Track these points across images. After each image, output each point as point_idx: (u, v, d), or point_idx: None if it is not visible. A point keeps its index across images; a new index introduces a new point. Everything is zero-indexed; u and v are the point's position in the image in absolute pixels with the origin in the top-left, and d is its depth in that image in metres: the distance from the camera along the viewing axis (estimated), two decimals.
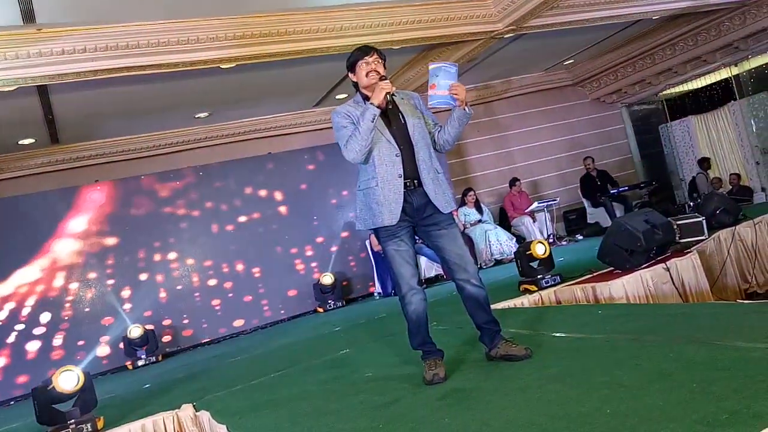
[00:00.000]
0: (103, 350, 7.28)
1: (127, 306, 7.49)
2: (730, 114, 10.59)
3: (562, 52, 9.92)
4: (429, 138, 3.12)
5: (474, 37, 7.20)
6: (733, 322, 3.08)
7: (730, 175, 10.10)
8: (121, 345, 7.19)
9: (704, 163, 10.57)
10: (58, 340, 7.11)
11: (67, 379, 3.77)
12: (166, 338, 7.59)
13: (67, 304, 7.24)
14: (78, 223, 7.43)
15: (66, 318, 7.20)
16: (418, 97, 3.22)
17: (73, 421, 3.79)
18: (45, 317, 7.11)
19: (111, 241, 7.57)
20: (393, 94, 3.06)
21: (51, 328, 7.10)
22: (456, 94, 2.93)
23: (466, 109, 3.00)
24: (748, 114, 10.24)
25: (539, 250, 5.27)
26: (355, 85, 3.16)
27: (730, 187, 9.81)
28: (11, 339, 6.91)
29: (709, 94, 11.15)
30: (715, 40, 9.50)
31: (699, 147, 11.12)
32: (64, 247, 7.34)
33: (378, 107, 2.92)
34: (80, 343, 7.18)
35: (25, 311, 7.03)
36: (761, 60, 10.07)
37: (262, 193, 8.49)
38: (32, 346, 6.97)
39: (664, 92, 11.61)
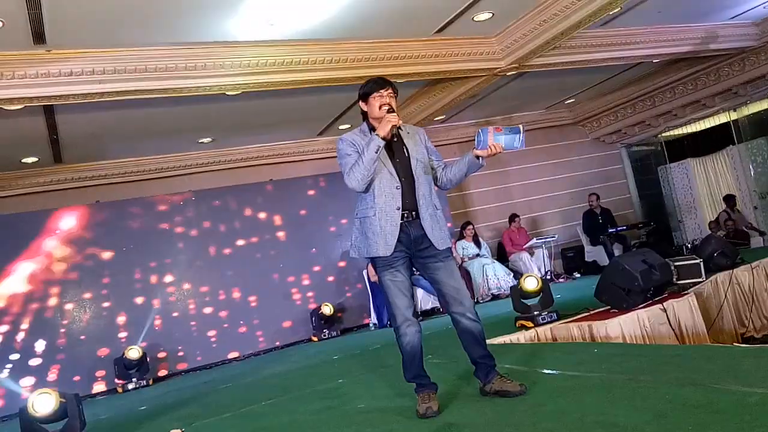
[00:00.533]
0: (98, 386, 7.20)
1: (123, 334, 7.43)
2: (728, 158, 10.68)
3: (564, 92, 10.06)
4: (431, 174, 3.15)
5: (477, 74, 7.31)
6: (730, 365, 3.06)
7: (725, 220, 10.12)
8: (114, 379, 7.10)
9: (730, 201, 10.36)
10: (53, 375, 7.02)
11: (43, 404, 3.71)
12: (162, 372, 7.51)
13: (62, 330, 7.18)
14: (72, 244, 7.41)
15: (61, 347, 7.12)
16: (423, 131, 3.24)
17: None
18: (40, 345, 7.02)
19: (107, 261, 7.53)
20: (399, 128, 3.10)
21: (46, 359, 7.02)
22: (490, 149, 2.95)
23: (481, 160, 3.03)
24: (746, 159, 10.33)
25: (529, 284, 5.25)
26: (364, 114, 3.19)
27: (726, 230, 9.81)
28: (4, 374, 6.82)
29: (708, 138, 11.26)
30: (715, 84, 9.64)
31: (697, 190, 11.19)
32: (59, 269, 7.31)
33: (383, 139, 2.96)
34: (76, 378, 7.09)
35: (20, 336, 6.97)
36: (759, 106, 10.20)
37: (261, 217, 8.49)
38: (26, 382, 6.85)
39: (664, 134, 11.74)
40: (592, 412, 2.56)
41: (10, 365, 6.84)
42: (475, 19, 6.31)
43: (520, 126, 3.00)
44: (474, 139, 3.04)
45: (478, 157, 3.02)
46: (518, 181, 11.04)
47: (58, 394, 3.79)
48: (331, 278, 8.67)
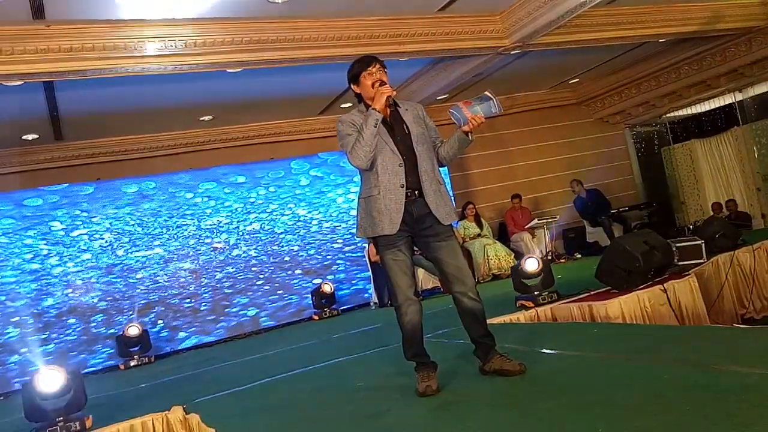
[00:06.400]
0: (101, 363, 7.27)
1: (125, 311, 7.48)
2: (732, 139, 10.61)
3: (568, 71, 9.96)
4: (432, 149, 3.13)
5: (481, 52, 7.23)
6: (730, 346, 3.07)
7: (727, 201, 10.10)
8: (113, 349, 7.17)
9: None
10: (54, 351, 7.08)
11: (48, 380, 3.74)
12: (160, 343, 7.57)
13: (64, 306, 7.23)
14: (77, 219, 7.45)
15: (63, 323, 7.18)
16: (422, 108, 3.23)
17: (61, 419, 3.76)
18: (42, 322, 7.09)
19: (109, 238, 7.57)
20: (397, 105, 3.09)
21: (48, 335, 7.11)
22: (471, 121, 2.95)
23: (470, 136, 3.03)
24: (751, 140, 10.27)
25: (529, 266, 5.25)
26: (358, 96, 3.16)
27: (728, 212, 9.78)
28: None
29: (713, 119, 11.18)
30: (720, 65, 9.53)
31: (701, 171, 11.13)
32: (64, 247, 7.35)
33: (380, 112, 2.94)
34: (77, 355, 7.18)
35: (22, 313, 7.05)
36: (765, 87, 10.10)
37: (264, 198, 8.50)
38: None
39: (668, 115, 11.64)
40: (590, 391, 2.57)
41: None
42: None
43: (487, 92, 2.98)
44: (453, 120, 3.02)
45: (466, 133, 3.01)
46: (521, 161, 10.98)
47: (63, 371, 3.81)
48: (332, 257, 8.69)
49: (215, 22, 5.68)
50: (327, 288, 8.13)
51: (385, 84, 3.01)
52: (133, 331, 6.99)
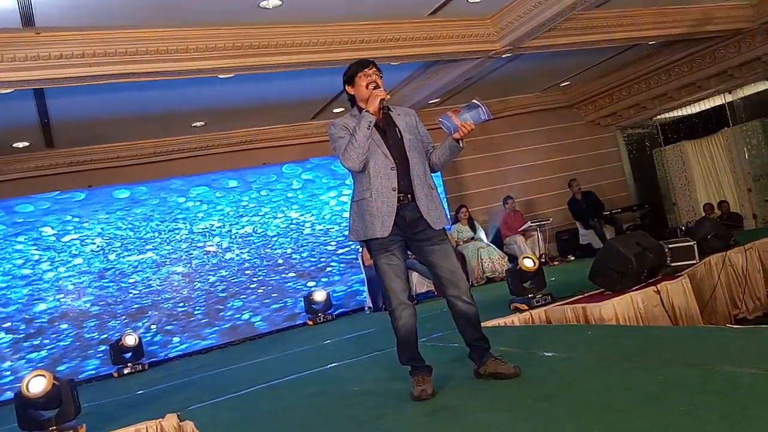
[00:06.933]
0: (94, 371, 7.22)
1: (118, 318, 7.44)
2: (723, 140, 10.68)
3: (559, 74, 10.01)
4: (425, 154, 3.14)
5: (472, 56, 7.26)
6: (723, 346, 3.08)
7: (719, 202, 10.16)
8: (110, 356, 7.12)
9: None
10: (47, 359, 7.05)
11: (36, 385, 3.71)
12: (154, 348, 7.53)
13: (57, 314, 7.20)
14: (69, 224, 7.42)
15: (56, 331, 7.15)
16: (415, 113, 3.24)
17: (54, 428, 3.73)
18: (35, 329, 7.07)
19: (101, 243, 7.53)
20: (390, 109, 3.09)
21: (41, 343, 7.07)
22: (462, 128, 2.97)
23: (460, 143, 3.04)
24: (741, 141, 10.34)
25: (527, 263, 5.27)
26: (352, 99, 3.17)
27: (720, 213, 9.84)
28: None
29: (703, 120, 11.26)
30: (710, 67, 9.61)
31: (692, 172, 11.21)
32: (56, 252, 7.31)
33: (373, 115, 2.94)
34: (70, 363, 7.14)
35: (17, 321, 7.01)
36: (755, 88, 10.18)
37: (256, 202, 8.48)
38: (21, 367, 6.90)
39: (659, 117, 11.72)
40: (585, 393, 2.58)
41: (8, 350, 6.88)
42: (469, 0, 6.25)
43: (475, 100, 3.01)
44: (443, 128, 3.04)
45: (456, 140, 3.03)
46: (513, 164, 11.01)
47: (52, 377, 3.78)
48: (325, 261, 8.68)
49: (206, 28, 5.67)
50: (318, 296, 8.08)
51: (380, 87, 3.02)
52: (131, 340, 6.93)
